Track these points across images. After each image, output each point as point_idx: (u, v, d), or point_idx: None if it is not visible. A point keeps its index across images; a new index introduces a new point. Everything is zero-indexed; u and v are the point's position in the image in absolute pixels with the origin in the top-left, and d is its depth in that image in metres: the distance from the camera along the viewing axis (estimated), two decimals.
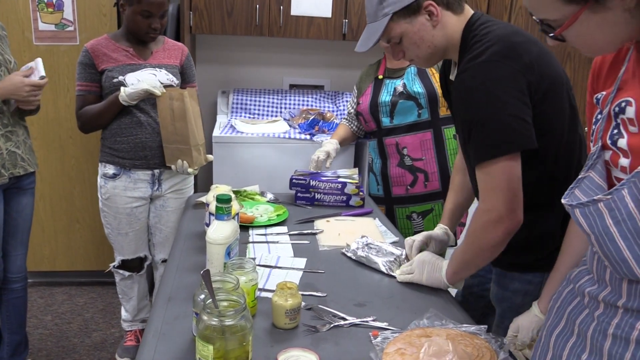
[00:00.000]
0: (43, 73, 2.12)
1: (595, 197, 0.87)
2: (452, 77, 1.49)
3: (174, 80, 2.36)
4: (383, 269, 1.60)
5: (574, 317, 0.98)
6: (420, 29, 1.38)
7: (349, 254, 1.72)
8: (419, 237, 1.69)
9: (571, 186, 0.95)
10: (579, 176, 0.94)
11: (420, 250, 1.66)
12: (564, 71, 1.39)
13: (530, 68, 1.28)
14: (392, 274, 1.57)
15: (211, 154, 2.65)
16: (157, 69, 2.34)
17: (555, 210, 1.36)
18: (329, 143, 2.57)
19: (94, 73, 2.30)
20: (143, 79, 2.24)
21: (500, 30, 1.33)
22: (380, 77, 2.41)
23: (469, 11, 1.42)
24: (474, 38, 1.34)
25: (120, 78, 2.27)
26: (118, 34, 2.37)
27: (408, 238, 1.73)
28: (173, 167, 2.31)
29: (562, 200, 0.94)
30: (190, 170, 2.29)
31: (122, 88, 2.23)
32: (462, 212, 1.78)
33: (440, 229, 1.73)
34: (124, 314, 2.67)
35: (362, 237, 1.75)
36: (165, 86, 2.26)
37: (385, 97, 2.36)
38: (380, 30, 1.39)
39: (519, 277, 1.46)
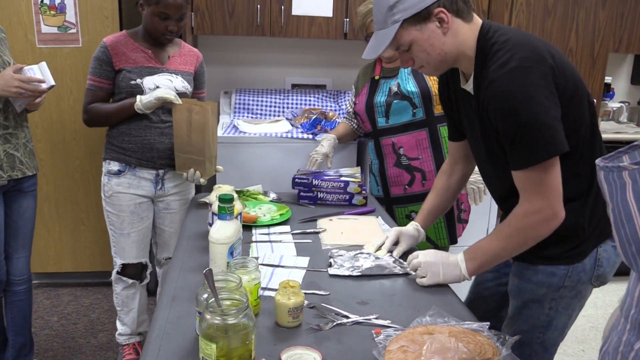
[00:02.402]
0: (53, 82, 2.10)
1: (621, 164, 0.75)
2: (465, 87, 1.47)
3: (188, 87, 2.36)
4: (398, 270, 1.58)
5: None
6: (431, 36, 1.36)
7: (346, 273, 1.58)
8: (391, 233, 1.72)
9: (621, 149, 0.80)
10: (636, 142, 0.79)
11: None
12: (577, 70, 1.41)
13: (555, 70, 1.31)
14: (408, 270, 1.57)
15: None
16: (173, 74, 2.33)
17: (582, 203, 1.43)
18: (326, 139, 2.58)
19: (109, 70, 2.27)
20: (160, 85, 2.25)
21: (518, 37, 1.34)
22: (377, 77, 2.42)
23: (477, 20, 1.42)
24: (494, 46, 1.34)
25: (138, 81, 2.25)
26: (138, 33, 2.33)
27: (382, 235, 1.76)
28: (184, 175, 2.33)
29: (597, 161, 0.80)
30: (202, 180, 2.31)
31: (138, 97, 2.22)
32: (438, 214, 1.81)
33: (411, 225, 1.76)
34: (120, 327, 2.58)
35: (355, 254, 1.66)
36: (179, 94, 2.27)
37: (380, 97, 2.36)
38: (390, 38, 1.37)
39: (543, 269, 1.48)
